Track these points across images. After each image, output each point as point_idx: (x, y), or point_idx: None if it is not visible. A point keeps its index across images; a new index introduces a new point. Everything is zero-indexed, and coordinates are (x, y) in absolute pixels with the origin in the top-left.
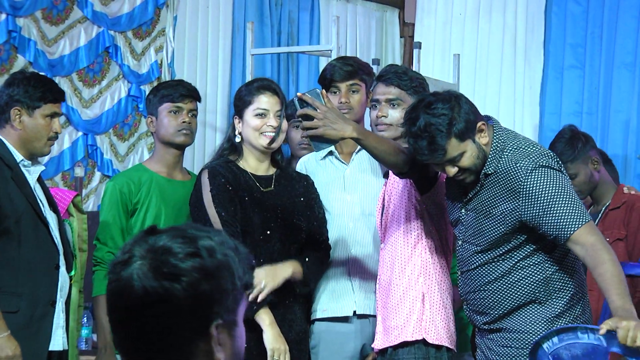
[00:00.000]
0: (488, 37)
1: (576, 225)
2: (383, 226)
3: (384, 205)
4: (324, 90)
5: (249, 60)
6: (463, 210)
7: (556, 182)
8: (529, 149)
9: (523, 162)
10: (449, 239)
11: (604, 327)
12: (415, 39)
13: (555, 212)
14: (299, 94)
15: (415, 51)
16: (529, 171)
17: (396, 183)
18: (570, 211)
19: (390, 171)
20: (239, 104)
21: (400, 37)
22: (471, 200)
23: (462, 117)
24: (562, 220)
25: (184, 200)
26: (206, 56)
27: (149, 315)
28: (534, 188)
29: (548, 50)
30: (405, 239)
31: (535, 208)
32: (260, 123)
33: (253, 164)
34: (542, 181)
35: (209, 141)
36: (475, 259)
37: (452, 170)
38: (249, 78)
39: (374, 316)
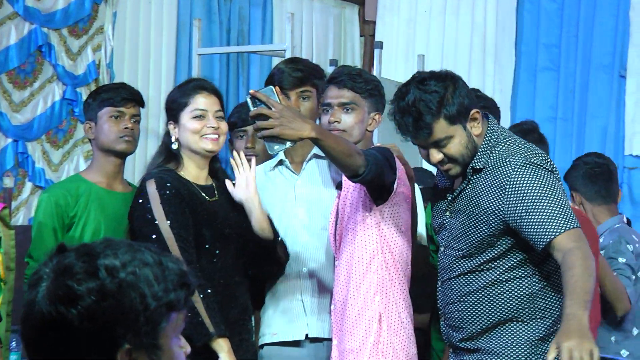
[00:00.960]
0: (455, 37)
1: (558, 231)
2: (337, 241)
3: (337, 218)
4: (277, 87)
5: (196, 61)
6: (447, 213)
7: (545, 181)
8: (522, 147)
9: (513, 157)
10: (408, 253)
11: (549, 354)
12: (377, 38)
13: (538, 213)
14: (252, 91)
15: (376, 51)
16: (517, 167)
17: (350, 194)
18: (555, 214)
19: (343, 182)
20: (174, 106)
21: (360, 36)
22: (456, 200)
23: (456, 99)
24: (544, 223)
25: (125, 213)
26: (148, 56)
27: (46, 341)
28: (521, 184)
29: (520, 51)
30: (360, 255)
31: (519, 206)
32: (200, 125)
33: (194, 172)
34: (530, 178)
35: (152, 150)
36: (456, 266)
37: (437, 157)
38: None
39: (329, 340)
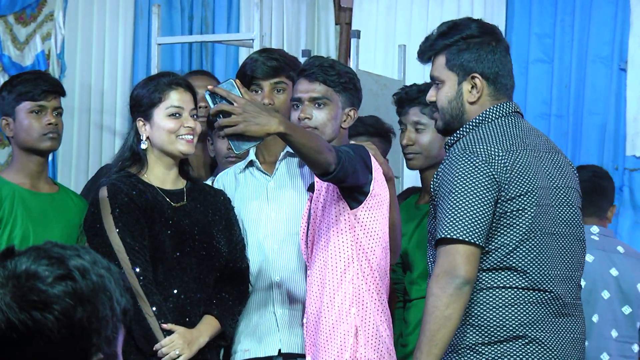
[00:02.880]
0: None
1: (452, 233)
2: (309, 248)
3: (309, 223)
4: (237, 80)
5: (155, 51)
6: None
7: (475, 182)
8: (488, 136)
9: (461, 143)
10: (386, 261)
11: None
12: (353, 27)
13: (448, 206)
14: (209, 87)
15: (353, 41)
16: (456, 152)
17: (322, 196)
18: (460, 216)
19: (316, 183)
20: (145, 102)
21: (336, 24)
22: None
23: (472, 52)
24: (445, 218)
25: (52, 215)
26: (103, 46)
27: (16, 353)
28: (445, 170)
29: (510, 41)
30: (334, 263)
31: (440, 190)
32: (176, 125)
33: (160, 176)
34: (454, 168)
35: (107, 148)
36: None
37: (430, 94)
38: (154, 72)
39: (303, 355)
